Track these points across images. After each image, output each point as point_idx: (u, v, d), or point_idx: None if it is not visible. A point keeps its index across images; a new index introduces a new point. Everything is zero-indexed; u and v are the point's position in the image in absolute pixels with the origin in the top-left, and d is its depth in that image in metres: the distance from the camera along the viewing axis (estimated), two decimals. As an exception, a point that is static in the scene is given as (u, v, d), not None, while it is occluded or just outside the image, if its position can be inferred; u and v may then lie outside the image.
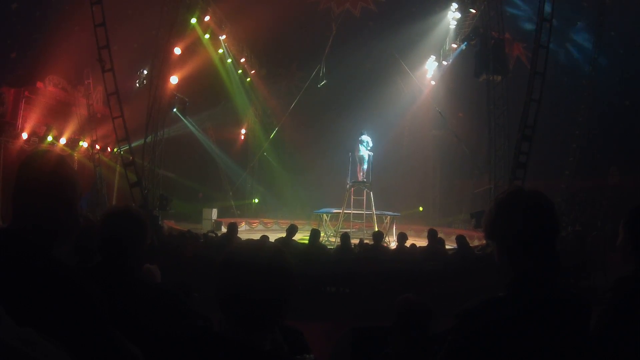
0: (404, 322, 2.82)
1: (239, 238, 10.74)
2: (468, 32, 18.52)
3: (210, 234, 11.81)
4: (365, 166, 18.07)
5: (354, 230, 18.03)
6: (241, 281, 1.45)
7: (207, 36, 19.74)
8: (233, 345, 1.42)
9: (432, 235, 9.85)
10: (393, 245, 13.89)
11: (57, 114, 18.52)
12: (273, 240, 9.98)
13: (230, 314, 1.47)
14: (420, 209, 24.87)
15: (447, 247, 10.68)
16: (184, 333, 1.52)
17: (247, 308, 1.44)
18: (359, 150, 18.15)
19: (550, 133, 17.52)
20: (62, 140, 18.59)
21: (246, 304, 1.44)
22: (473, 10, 17.86)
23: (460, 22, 19.99)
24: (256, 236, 12.82)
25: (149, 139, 15.00)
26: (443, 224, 21.90)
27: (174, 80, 16.54)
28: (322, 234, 14.18)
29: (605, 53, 18.53)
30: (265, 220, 23.67)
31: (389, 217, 18.45)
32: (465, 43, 18.75)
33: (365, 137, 18.19)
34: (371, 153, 18.09)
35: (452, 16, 20.36)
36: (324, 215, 19.29)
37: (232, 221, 12.46)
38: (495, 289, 1.63)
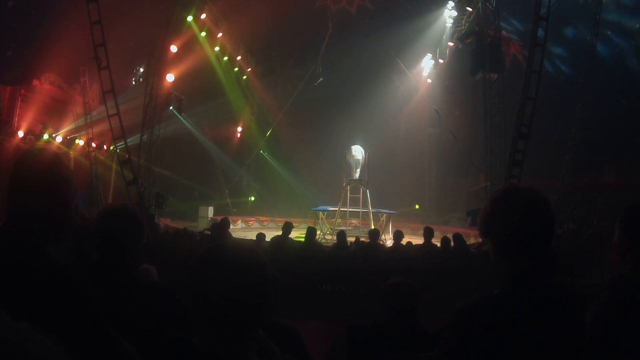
0: (392, 296, 3.15)
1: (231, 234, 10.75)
2: (464, 30, 18.54)
3: (206, 232, 11.79)
4: (360, 169, 17.98)
5: (350, 228, 18.02)
6: (212, 279, 1.33)
7: (203, 34, 19.70)
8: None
9: (428, 233, 9.86)
10: (389, 243, 13.89)
11: (53, 112, 18.50)
12: (269, 238, 10.00)
13: (202, 319, 1.35)
14: (417, 206, 24.95)
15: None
16: (162, 346, 1.43)
17: (217, 310, 1.32)
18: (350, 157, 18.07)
19: (546, 131, 17.56)
20: (58, 138, 18.57)
21: (216, 304, 1.32)
22: (469, 9, 17.89)
23: (456, 21, 20.04)
24: (252, 234, 12.84)
25: (145, 137, 14.98)
26: (439, 222, 21.94)
27: (170, 78, 16.49)
28: (318, 232, 14.17)
29: (602, 52, 18.58)
30: (262, 218, 23.68)
31: (385, 214, 18.47)
32: (462, 41, 18.77)
33: (356, 149, 17.97)
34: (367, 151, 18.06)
35: (448, 14, 20.41)
36: (320, 213, 19.29)
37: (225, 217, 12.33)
38: (491, 286, 1.63)
